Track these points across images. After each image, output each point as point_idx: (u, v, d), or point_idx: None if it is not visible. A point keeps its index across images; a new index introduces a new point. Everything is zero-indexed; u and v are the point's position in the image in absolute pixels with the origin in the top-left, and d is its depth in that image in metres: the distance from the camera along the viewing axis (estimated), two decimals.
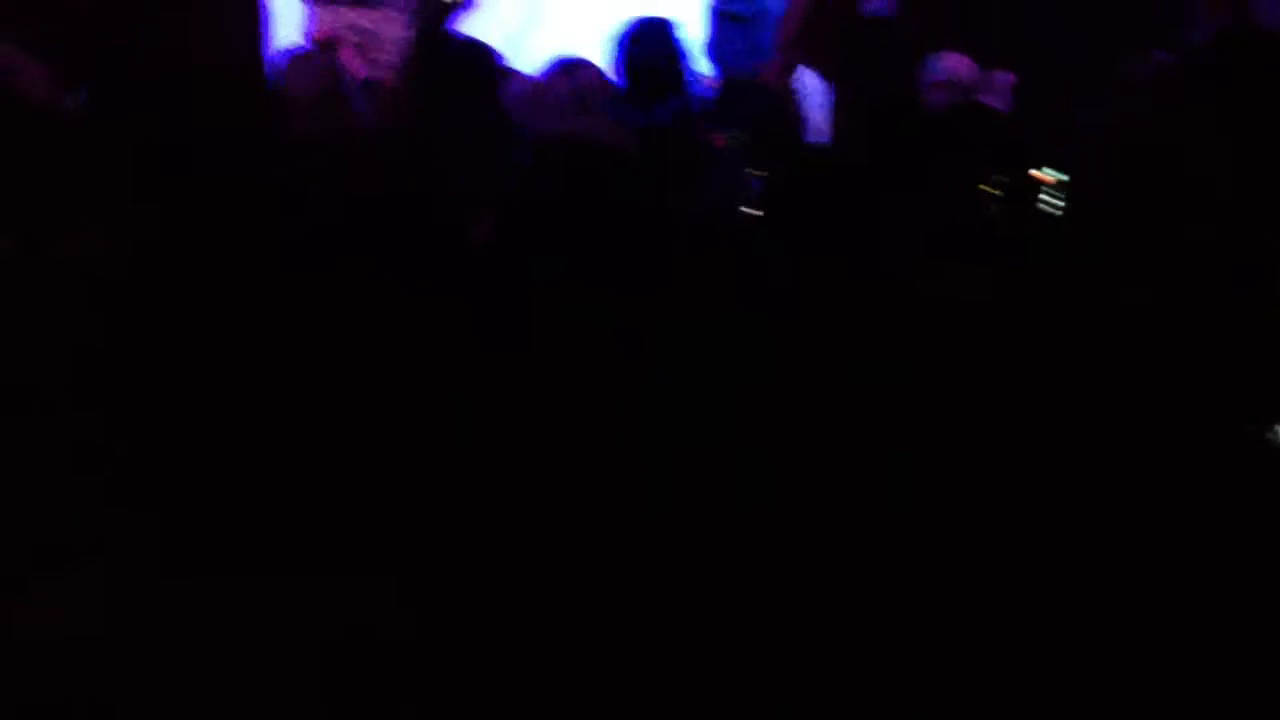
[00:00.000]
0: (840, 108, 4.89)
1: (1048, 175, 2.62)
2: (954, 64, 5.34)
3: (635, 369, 2.14)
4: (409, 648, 1.85)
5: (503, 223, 2.36)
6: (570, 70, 3.97)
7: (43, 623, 1.82)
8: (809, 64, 5.51)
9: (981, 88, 5.29)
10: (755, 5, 5.52)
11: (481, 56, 3.90)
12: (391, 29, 5.17)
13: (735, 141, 3.39)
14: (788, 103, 4.25)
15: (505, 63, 4.18)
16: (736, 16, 5.54)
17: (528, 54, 6.27)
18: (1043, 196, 2.63)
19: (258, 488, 1.98)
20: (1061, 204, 2.63)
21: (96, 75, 3.46)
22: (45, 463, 1.96)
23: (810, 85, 5.11)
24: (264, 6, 6.39)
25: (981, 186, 2.61)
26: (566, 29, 6.64)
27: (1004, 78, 5.40)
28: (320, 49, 5.05)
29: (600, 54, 6.31)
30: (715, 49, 5.51)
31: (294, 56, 4.54)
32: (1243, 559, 2.05)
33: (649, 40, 4.06)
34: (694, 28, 5.44)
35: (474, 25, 5.07)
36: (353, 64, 5.08)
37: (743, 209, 2.76)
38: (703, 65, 5.44)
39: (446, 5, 4.16)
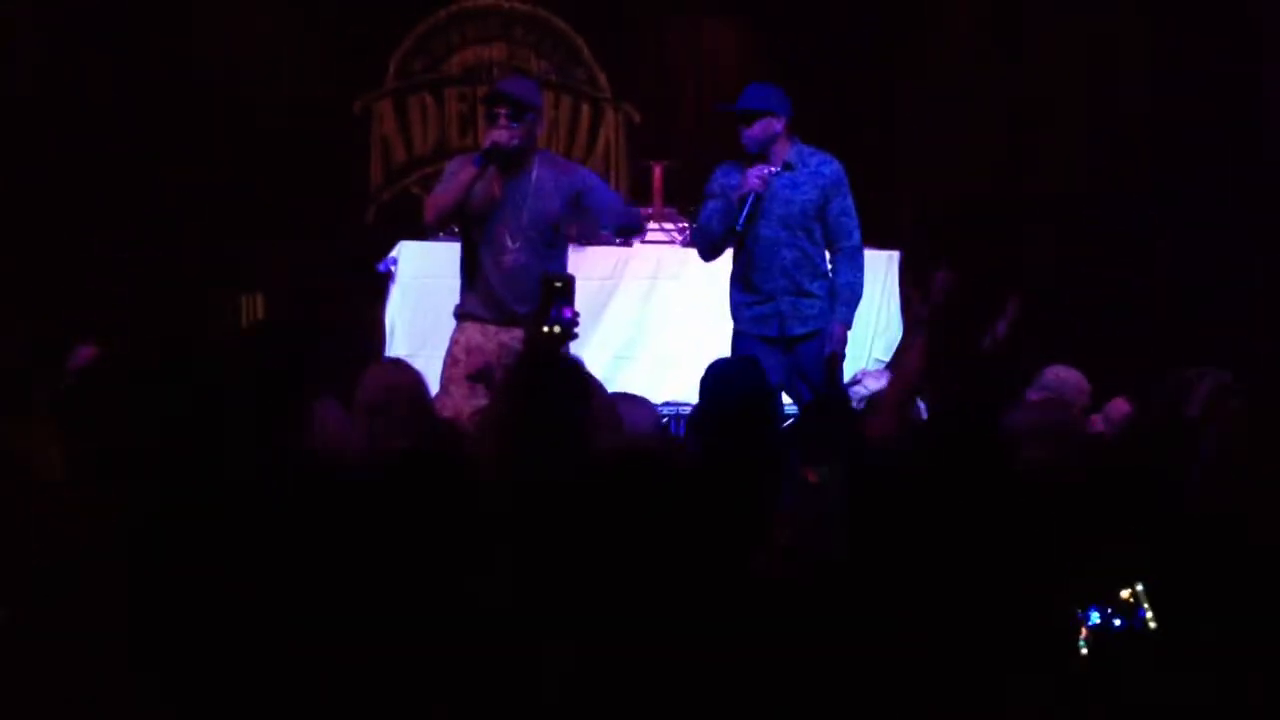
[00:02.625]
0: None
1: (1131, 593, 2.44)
2: (1063, 377, 4.90)
3: None
4: None
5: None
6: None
7: None
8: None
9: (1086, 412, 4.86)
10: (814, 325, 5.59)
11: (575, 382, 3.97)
12: None
13: (825, 478, 3.34)
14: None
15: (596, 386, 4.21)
16: (798, 338, 5.59)
17: (627, 379, 6.47)
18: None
19: None
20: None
21: None
22: None
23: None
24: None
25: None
26: (666, 356, 6.84)
27: (1120, 406, 4.99)
28: (398, 362, 5.13)
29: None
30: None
31: (376, 365, 4.62)
32: None
33: (731, 379, 4.11)
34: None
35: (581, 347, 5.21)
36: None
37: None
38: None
39: (556, 336, 4.22)
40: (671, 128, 7.93)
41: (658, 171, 7.16)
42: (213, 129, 7.56)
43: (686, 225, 6.94)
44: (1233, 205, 7.18)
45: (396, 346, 6.54)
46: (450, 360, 5.36)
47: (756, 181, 5.38)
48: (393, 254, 6.68)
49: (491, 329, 5.33)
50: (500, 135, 5.19)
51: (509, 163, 5.24)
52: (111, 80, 7.50)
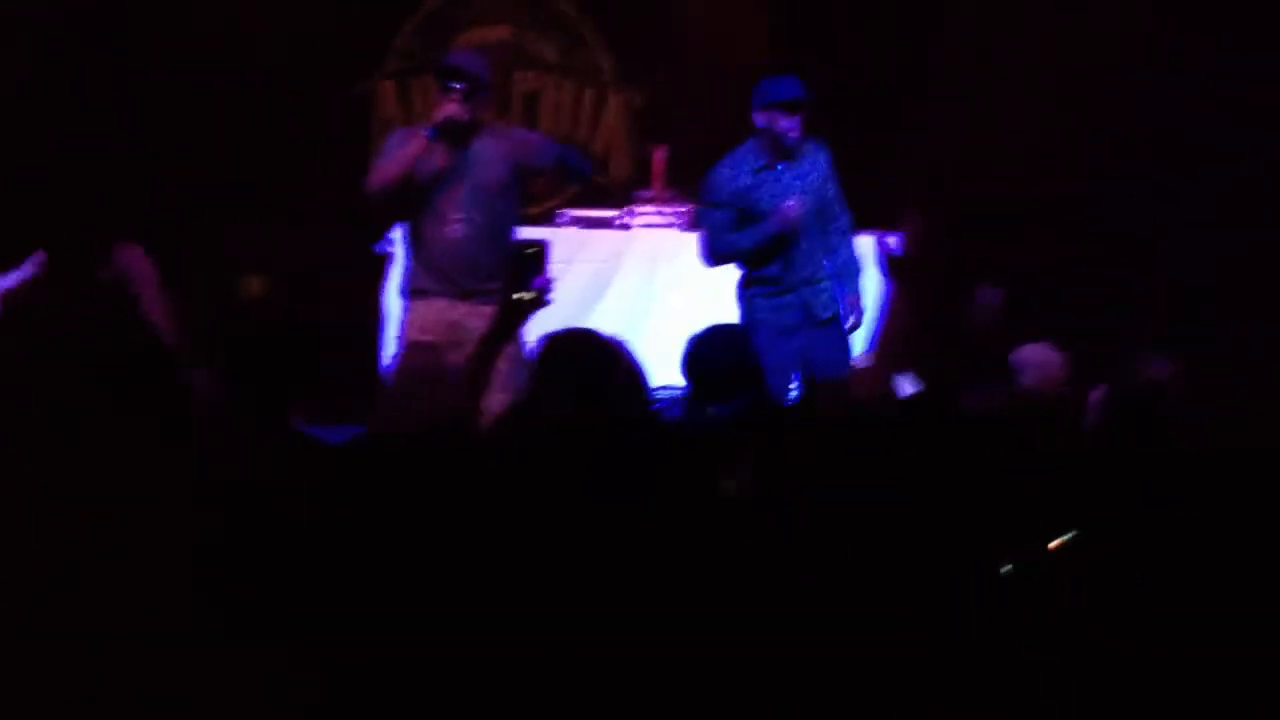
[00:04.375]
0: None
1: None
2: (1037, 356, 5.02)
3: None
4: None
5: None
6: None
7: None
8: (905, 370, 5.61)
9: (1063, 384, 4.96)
10: (834, 308, 5.66)
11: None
12: (478, 322, 5.31)
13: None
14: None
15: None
16: (823, 322, 5.67)
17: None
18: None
19: None
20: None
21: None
22: None
23: (905, 393, 5.14)
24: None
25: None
26: (665, 340, 6.84)
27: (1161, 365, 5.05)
28: (425, 346, 5.18)
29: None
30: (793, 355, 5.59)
31: (406, 350, 4.62)
32: None
33: (716, 345, 4.15)
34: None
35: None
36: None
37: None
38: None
39: (527, 304, 4.21)
40: (675, 112, 7.92)
41: (658, 155, 7.18)
42: (215, 115, 7.58)
43: (687, 209, 6.97)
44: (1233, 205, 7.21)
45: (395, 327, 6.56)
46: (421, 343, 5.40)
47: (794, 219, 5.47)
48: (391, 234, 6.70)
49: (439, 304, 5.37)
50: (453, 109, 5.23)
51: (458, 137, 5.27)
52: (112, 80, 7.52)
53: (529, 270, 4.41)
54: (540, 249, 4.70)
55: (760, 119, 5.59)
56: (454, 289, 5.36)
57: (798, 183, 5.61)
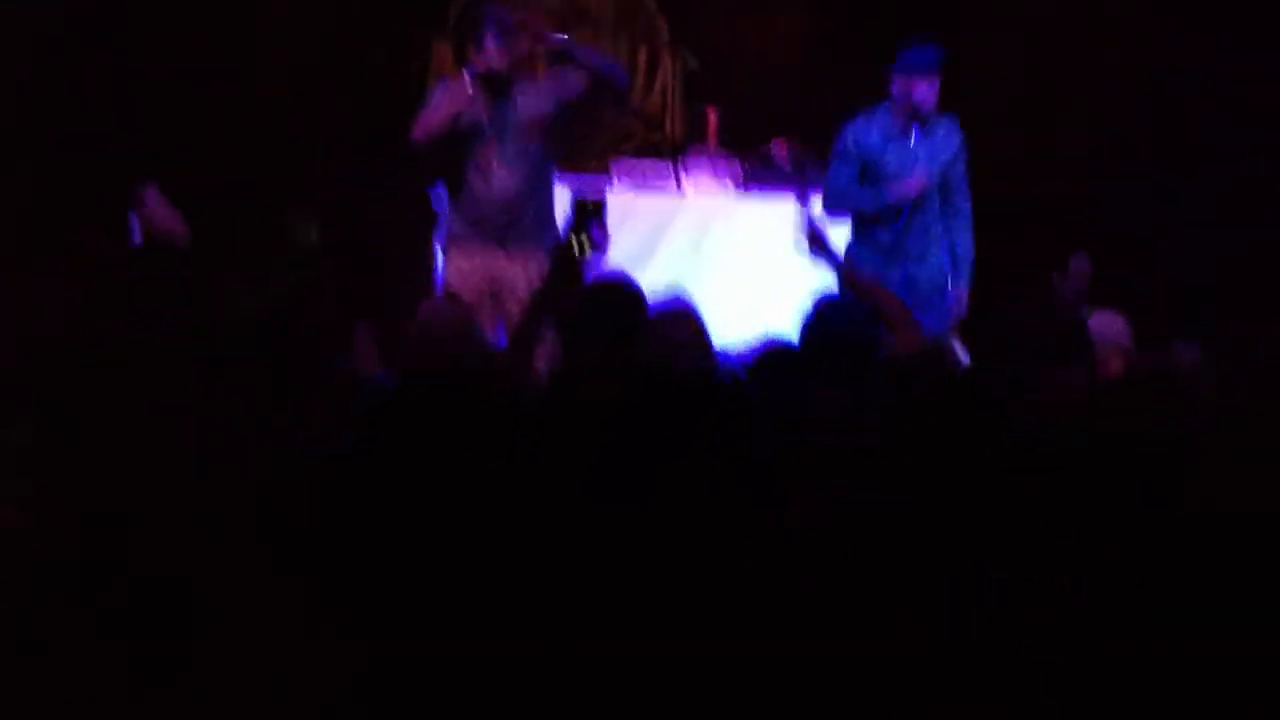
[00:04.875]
0: None
1: None
2: (1103, 325, 4.84)
3: None
4: None
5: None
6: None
7: None
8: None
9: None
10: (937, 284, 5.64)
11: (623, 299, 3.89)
12: (525, 273, 5.29)
13: None
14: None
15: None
16: (923, 296, 5.65)
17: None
18: None
19: None
20: None
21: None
22: None
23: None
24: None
25: None
26: (716, 304, 6.79)
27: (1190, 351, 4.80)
28: (450, 298, 5.17)
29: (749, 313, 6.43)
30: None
31: (427, 302, 4.64)
32: None
33: (844, 316, 3.99)
34: None
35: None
36: (485, 317, 5.21)
37: None
38: None
39: (581, 252, 4.17)
40: (728, 72, 7.89)
41: (713, 116, 7.19)
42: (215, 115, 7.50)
43: (741, 168, 6.96)
44: (1233, 205, 7.31)
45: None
46: (447, 293, 5.41)
47: (914, 194, 5.46)
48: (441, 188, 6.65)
49: (479, 255, 5.38)
50: (491, 57, 5.27)
51: (497, 87, 5.30)
52: (111, 80, 7.44)
53: (587, 222, 4.40)
54: (599, 203, 4.69)
55: (897, 84, 5.59)
56: (494, 239, 5.39)
57: (928, 156, 5.62)
